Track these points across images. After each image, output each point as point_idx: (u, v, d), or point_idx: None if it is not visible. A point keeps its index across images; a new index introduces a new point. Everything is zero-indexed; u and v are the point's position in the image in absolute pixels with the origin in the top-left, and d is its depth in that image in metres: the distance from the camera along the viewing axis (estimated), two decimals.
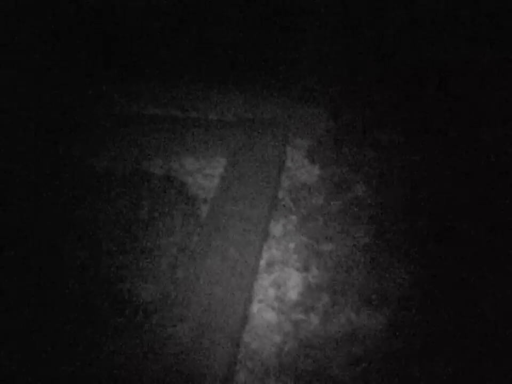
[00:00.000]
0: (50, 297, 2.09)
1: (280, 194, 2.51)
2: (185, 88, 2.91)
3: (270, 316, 2.01)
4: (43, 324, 2.01)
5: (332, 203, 2.50)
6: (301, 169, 2.65)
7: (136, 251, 2.24)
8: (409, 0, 3.24)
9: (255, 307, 2.03)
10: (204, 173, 2.57)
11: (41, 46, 3.06)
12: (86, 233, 2.32)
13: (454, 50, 3.15)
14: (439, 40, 3.20)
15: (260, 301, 2.05)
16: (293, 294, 2.10)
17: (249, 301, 2.01)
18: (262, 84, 3.04)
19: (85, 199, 2.46)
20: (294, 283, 2.13)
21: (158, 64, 3.19)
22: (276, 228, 2.33)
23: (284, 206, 2.47)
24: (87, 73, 2.93)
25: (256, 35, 3.32)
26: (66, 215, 2.41)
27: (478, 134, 2.84)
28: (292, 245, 2.28)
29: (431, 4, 3.21)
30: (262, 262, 2.17)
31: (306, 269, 2.21)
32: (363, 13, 3.31)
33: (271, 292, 2.08)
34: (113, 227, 2.33)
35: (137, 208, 2.41)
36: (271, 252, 2.23)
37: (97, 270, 2.18)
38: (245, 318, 1.96)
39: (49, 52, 3.05)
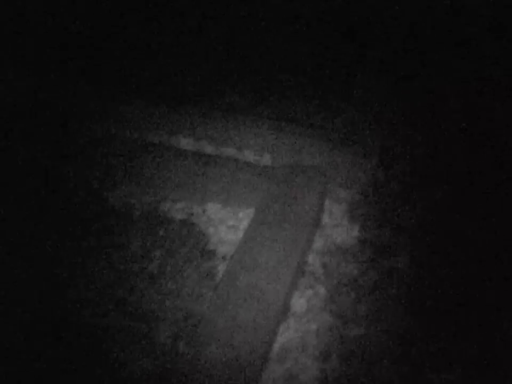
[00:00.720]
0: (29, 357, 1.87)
1: (311, 258, 2.22)
2: (223, 119, 2.62)
3: None
4: None
5: (367, 274, 2.19)
6: (339, 228, 2.34)
7: (138, 313, 1.99)
8: None
9: None
10: (228, 224, 2.30)
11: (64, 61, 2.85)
12: (83, 280, 2.08)
13: None
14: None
15: None
16: None
17: None
18: (305, 124, 2.73)
19: (92, 238, 2.23)
20: (308, 377, 1.84)
21: (197, 90, 2.94)
22: (299, 302, 2.04)
23: (313, 273, 2.17)
24: (114, 93, 2.69)
25: (305, 71, 3.02)
26: (67, 252, 2.19)
27: None
28: (314, 326, 1.98)
29: None
30: (276, 347, 1.88)
31: (326, 358, 1.91)
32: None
33: None
34: (116, 278, 2.09)
35: (147, 259, 2.16)
36: (288, 334, 1.94)
37: (86, 330, 1.94)
38: None
39: (75, 67, 2.83)
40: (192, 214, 2.34)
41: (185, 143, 2.60)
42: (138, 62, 3.02)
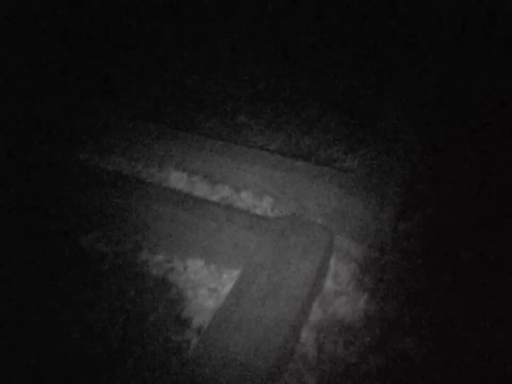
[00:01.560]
0: None
1: (304, 334, 1.85)
2: (223, 153, 2.27)
3: None
4: None
5: (370, 360, 1.81)
6: (343, 296, 1.96)
7: None
8: None
9: None
10: (209, 287, 1.96)
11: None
12: (29, 353, 1.78)
13: None
14: None
15: None
16: None
17: None
18: (318, 160, 2.35)
19: (52, 295, 1.92)
20: None
21: (202, 109, 2.59)
22: None
23: (304, 355, 1.81)
24: (95, 110, 2.37)
25: (328, 99, 2.63)
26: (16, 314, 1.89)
27: None
28: None
29: None
30: None
31: None
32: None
33: None
34: (69, 349, 1.78)
35: (110, 326, 1.84)
36: None
37: None
38: None
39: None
40: (171, 270, 2.01)
41: (176, 178, 2.26)
42: (122, 73, 2.69)
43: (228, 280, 1.94)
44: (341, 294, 1.98)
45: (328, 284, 2.00)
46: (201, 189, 2.21)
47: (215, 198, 2.19)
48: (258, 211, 2.14)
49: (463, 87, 2.63)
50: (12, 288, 1.93)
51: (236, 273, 1.95)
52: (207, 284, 1.95)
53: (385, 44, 2.84)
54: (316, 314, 1.91)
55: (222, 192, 2.21)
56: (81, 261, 2.03)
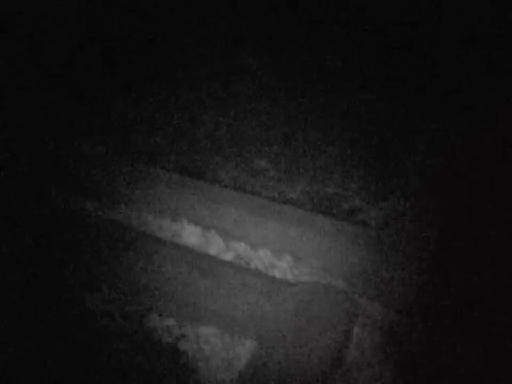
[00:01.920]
0: None
1: None
2: (240, 205, 2.14)
3: None
4: None
5: None
6: (368, 369, 1.81)
7: None
8: None
9: None
10: (223, 358, 1.80)
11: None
12: None
13: None
14: None
15: None
16: None
17: None
18: (340, 212, 2.20)
19: (51, 363, 1.78)
20: None
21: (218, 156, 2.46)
22: None
23: None
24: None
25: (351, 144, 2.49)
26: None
27: None
28: None
29: None
30: None
31: None
32: None
33: None
34: None
35: None
36: None
37: None
38: None
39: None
40: (182, 337, 1.86)
41: (189, 232, 2.12)
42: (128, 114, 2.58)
43: (243, 353, 1.80)
44: (365, 367, 1.83)
45: (351, 355, 1.84)
46: (215, 245, 2.08)
47: (230, 255, 2.05)
48: (276, 272, 2.00)
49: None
50: (11, 348, 1.80)
51: (252, 344, 1.81)
52: (220, 355, 1.81)
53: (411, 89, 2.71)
54: None
55: (237, 249, 2.08)
56: (85, 322, 1.89)
